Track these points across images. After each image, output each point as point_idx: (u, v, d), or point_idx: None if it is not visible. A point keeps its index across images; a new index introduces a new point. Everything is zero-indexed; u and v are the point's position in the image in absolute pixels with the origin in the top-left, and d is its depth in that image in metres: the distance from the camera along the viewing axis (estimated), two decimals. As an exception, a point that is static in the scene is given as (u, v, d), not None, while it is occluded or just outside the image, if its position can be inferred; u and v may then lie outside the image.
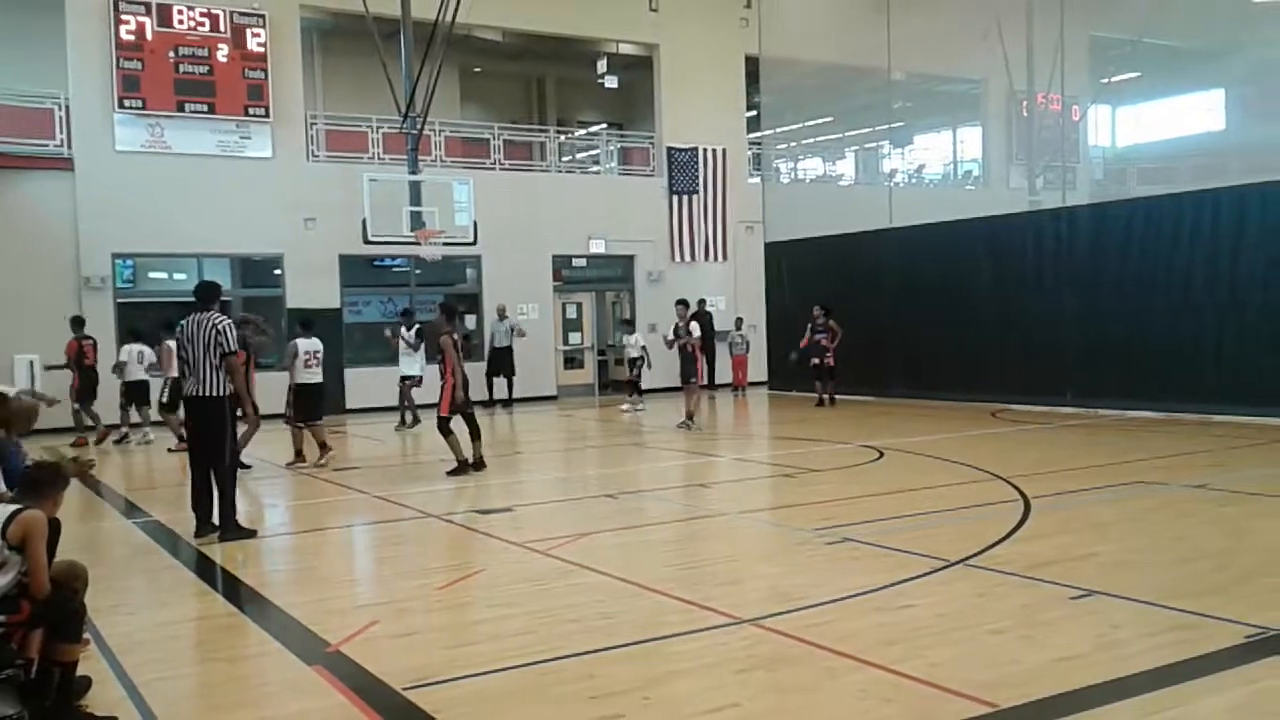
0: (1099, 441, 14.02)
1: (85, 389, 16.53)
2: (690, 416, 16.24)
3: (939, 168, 29.99)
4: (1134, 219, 16.69)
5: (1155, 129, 29.80)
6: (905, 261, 19.84)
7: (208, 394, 8.53)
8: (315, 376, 13.46)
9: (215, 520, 8.59)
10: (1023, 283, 17.90)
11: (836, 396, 19.52)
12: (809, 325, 19.43)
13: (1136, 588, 6.22)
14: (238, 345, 8.80)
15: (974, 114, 29.27)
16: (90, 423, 16.57)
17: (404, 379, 17.62)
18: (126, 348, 16.73)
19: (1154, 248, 16.10)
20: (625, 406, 20.06)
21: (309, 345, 13.51)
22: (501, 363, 21.28)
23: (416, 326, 17.60)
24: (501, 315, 21.47)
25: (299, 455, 13.41)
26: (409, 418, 17.62)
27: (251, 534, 8.66)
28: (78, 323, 16.91)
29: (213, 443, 8.56)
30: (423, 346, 17.22)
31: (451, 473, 11.91)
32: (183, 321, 8.73)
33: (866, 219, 20.74)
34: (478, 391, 20.49)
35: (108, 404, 16.81)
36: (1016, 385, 17.72)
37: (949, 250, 19.19)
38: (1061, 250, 17.49)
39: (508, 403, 21.49)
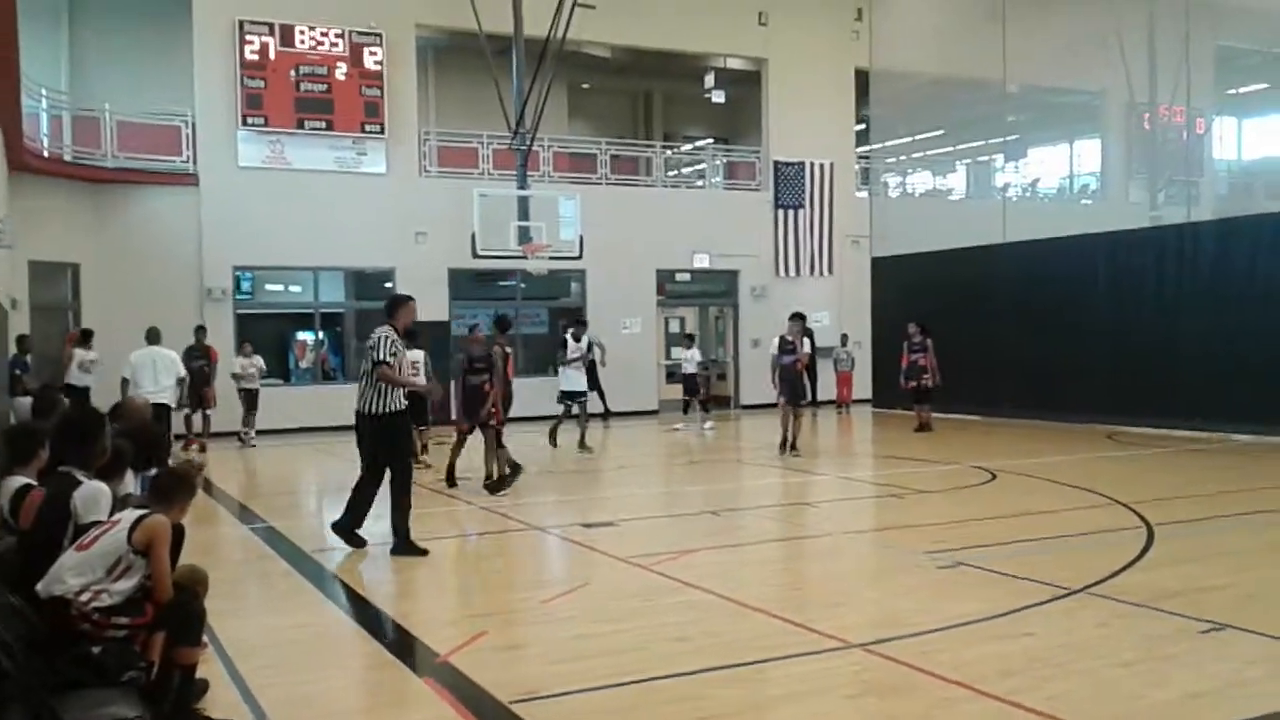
0: (1225, 467, 13.44)
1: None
2: (793, 444, 14.97)
3: (1054, 181, 29.16)
4: (1261, 235, 16.00)
5: (1284, 142, 28.54)
6: (1018, 277, 19.33)
7: (356, 408, 8.60)
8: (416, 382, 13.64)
9: (394, 532, 8.54)
10: (1143, 300, 17.29)
11: (933, 419, 18.20)
12: (904, 344, 18.42)
13: (1269, 622, 5.91)
14: (388, 355, 8.30)
15: (1092, 126, 28.42)
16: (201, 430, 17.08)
17: (568, 395, 15.97)
18: (237, 360, 17.86)
19: (1283, 265, 15.40)
20: (680, 425, 19.50)
21: (413, 355, 13.78)
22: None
23: (588, 337, 16.54)
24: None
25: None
26: (583, 436, 15.98)
27: (360, 544, 8.72)
28: (202, 331, 17.58)
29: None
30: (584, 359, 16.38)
31: (490, 487, 11.67)
32: None
33: (978, 234, 20.27)
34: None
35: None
36: (1134, 407, 17.07)
37: (1065, 266, 18.64)
38: (1185, 267, 16.85)
39: (604, 416, 21.51)
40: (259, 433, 18.14)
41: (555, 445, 16.01)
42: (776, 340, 15.28)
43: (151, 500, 4.73)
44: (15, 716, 3.71)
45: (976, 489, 11.64)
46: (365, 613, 6.86)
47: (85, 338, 15.76)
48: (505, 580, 7.97)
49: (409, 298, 8.96)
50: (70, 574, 4.31)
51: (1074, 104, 28.15)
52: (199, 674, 4.79)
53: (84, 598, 4.27)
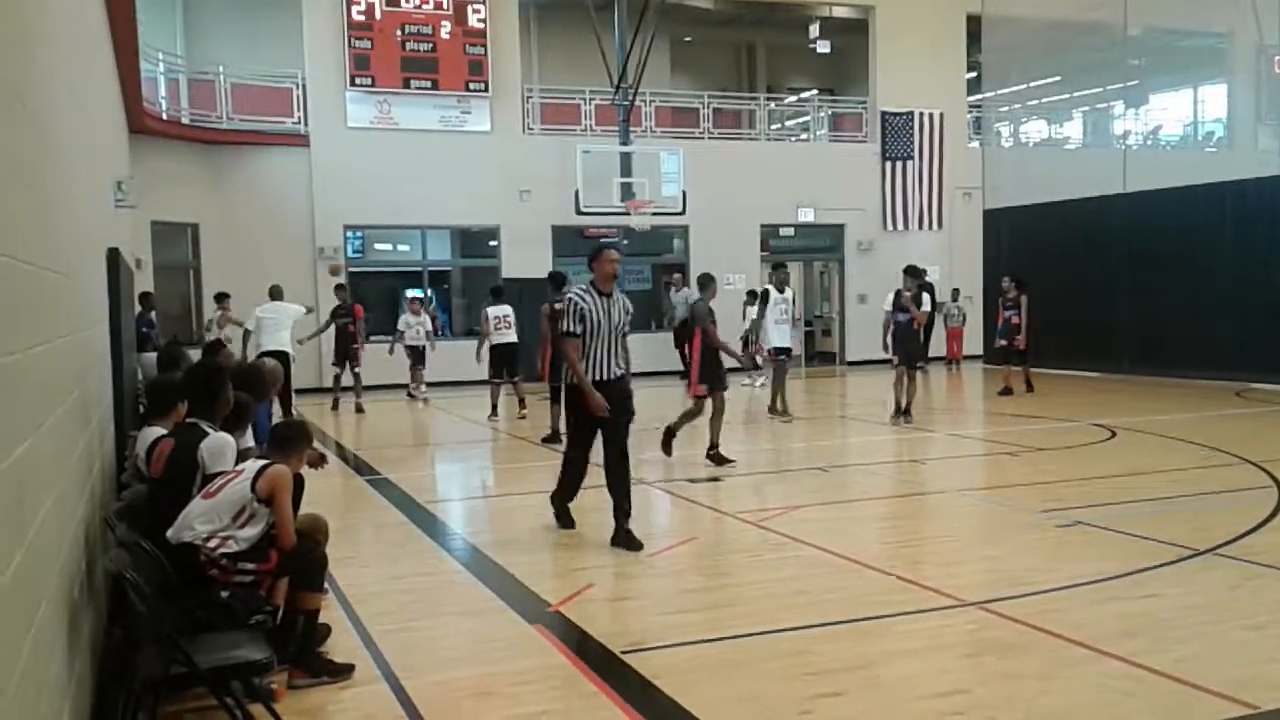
0: (1362, 425, 12.81)
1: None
2: (906, 409, 13.52)
3: (1177, 129, 27.92)
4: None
5: None
6: (1139, 228, 18.60)
7: None
8: (507, 337, 14.61)
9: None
10: (1272, 252, 16.48)
11: (1034, 376, 16.67)
12: (998, 299, 16.81)
13: None
14: (572, 325, 7.30)
15: (1218, 70, 27.06)
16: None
17: (776, 352, 14.07)
18: (404, 318, 17.96)
19: None
20: (746, 382, 18.47)
21: (497, 311, 14.70)
22: (685, 334, 20.84)
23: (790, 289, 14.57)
24: (678, 287, 21.21)
25: (494, 410, 14.79)
26: (780, 402, 14.30)
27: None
28: (342, 290, 17.81)
29: None
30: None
31: (546, 440, 12.05)
32: None
33: (1096, 184, 19.54)
34: (673, 362, 20.57)
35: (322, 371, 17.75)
36: (1262, 363, 16.33)
37: (1189, 217, 17.86)
38: (1318, 217, 16.01)
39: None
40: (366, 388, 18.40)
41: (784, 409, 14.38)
42: (891, 296, 13.75)
43: (272, 451, 4.87)
44: (149, 656, 3.86)
45: (1095, 447, 11.29)
46: (477, 562, 6.97)
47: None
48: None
49: (605, 246, 7.81)
50: (198, 521, 4.46)
51: (1199, 47, 26.82)
52: (321, 619, 4.92)
53: (212, 544, 4.42)
